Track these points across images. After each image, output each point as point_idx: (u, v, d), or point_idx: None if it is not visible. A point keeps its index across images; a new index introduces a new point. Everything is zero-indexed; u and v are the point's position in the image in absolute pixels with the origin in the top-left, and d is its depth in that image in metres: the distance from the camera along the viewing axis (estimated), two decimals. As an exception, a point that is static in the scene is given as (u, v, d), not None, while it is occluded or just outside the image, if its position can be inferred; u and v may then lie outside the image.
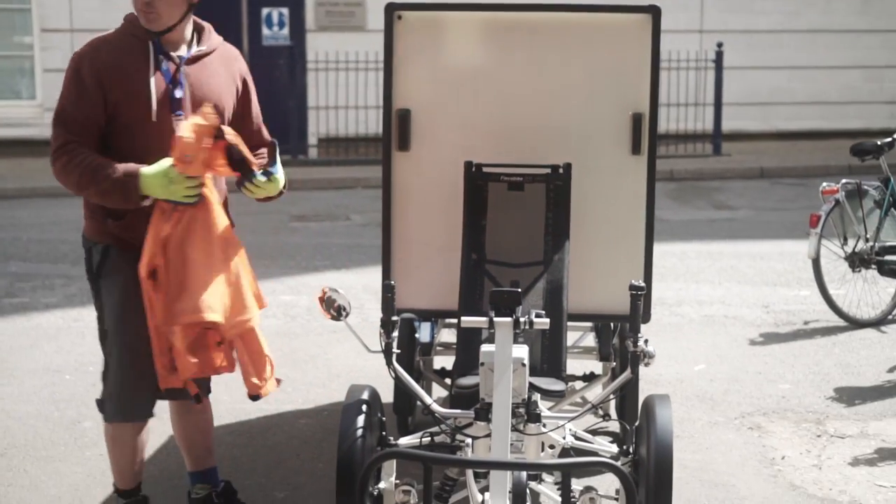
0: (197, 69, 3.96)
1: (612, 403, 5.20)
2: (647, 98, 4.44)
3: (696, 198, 12.66)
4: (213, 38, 4.07)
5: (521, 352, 3.56)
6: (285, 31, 15.74)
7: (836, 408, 5.77)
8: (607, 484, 4.35)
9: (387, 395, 4.51)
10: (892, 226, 7.38)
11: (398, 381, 4.05)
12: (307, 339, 7.05)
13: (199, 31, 4.06)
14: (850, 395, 5.96)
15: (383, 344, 3.98)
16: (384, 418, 4.13)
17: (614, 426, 5.19)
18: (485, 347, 3.57)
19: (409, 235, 4.48)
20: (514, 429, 3.61)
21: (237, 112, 4.10)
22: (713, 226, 10.96)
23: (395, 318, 3.91)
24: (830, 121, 16.65)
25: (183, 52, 3.96)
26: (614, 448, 4.07)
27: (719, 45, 15.23)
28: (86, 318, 7.54)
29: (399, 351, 4.08)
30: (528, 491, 3.22)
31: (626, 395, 4.69)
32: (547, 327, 3.52)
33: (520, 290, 3.51)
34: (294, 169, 14.44)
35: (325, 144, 15.50)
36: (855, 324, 7.27)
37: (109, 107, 3.83)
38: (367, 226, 10.96)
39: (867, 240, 7.26)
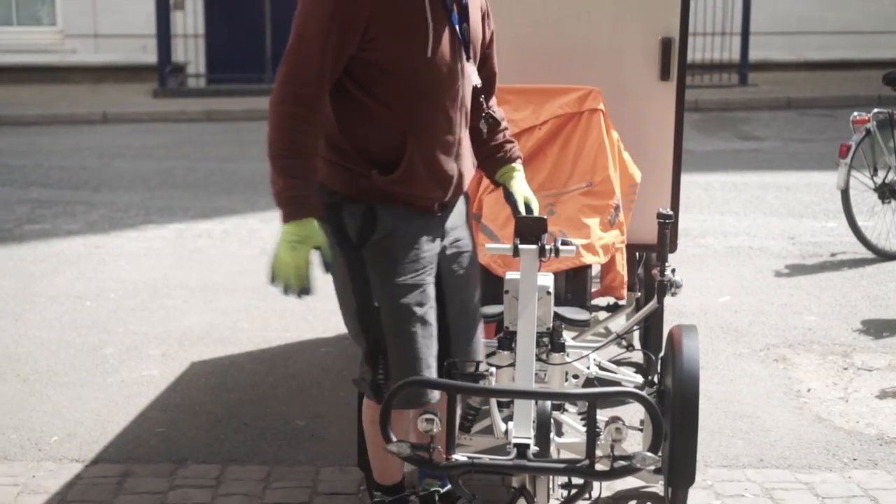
0: None
1: (637, 334, 5.14)
2: (677, 23, 4.33)
3: (721, 129, 12.50)
4: None
5: (547, 280, 3.49)
6: (307, -43, 15.51)
7: (864, 340, 5.70)
8: (632, 414, 4.32)
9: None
10: (923, 157, 7.26)
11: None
12: (328, 267, 7.00)
13: None
14: (877, 328, 5.88)
15: None
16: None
17: (639, 357, 5.14)
18: (510, 275, 3.50)
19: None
20: (538, 358, 3.55)
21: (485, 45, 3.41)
22: (739, 157, 10.81)
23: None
24: (861, 50, 16.37)
25: None
26: (639, 379, 4.02)
27: (748, -28, 14.95)
28: (107, 245, 7.53)
29: None
30: (552, 421, 3.17)
31: (651, 325, 4.63)
32: (573, 255, 3.44)
33: (546, 216, 3.43)
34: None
35: (346, 73, 15.34)
36: (884, 256, 7.17)
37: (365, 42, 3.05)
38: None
39: (898, 171, 7.14)
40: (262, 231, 7.89)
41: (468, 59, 3.22)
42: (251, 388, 5.09)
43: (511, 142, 3.57)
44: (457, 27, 3.15)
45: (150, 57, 14.99)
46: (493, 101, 3.53)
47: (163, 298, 6.38)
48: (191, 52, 15.08)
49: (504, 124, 3.55)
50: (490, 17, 3.42)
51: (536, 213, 3.46)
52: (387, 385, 3.28)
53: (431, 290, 3.27)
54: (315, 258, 3.06)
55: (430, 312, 3.26)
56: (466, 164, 3.36)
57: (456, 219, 3.40)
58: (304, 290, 3.06)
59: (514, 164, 3.54)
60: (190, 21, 14.93)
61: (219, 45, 15.34)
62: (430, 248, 3.26)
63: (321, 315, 6.09)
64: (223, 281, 6.71)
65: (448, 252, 3.37)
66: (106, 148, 11.26)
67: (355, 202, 3.17)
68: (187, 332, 5.83)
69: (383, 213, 3.17)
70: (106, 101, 13.92)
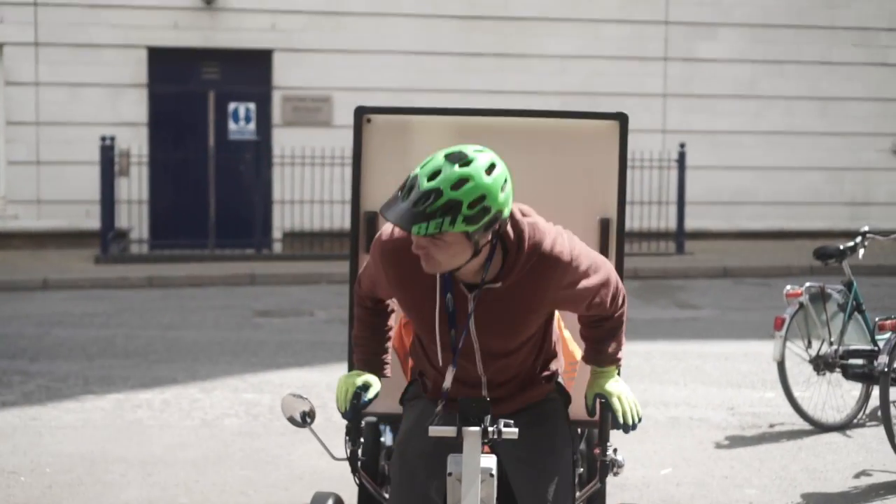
0: (486, 305, 3.43)
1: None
2: (614, 203, 4.45)
3: (660, 296, 12.70)
4: (520, 261, 3.39)
5: (490, 462, 3.50)
6: (252, 125, 15.82)
7: (804, 514, 5.73)
8: None
9: (351, 500, 4.42)
10: (855, 329, 7.41)
11: (364, 488, 3.98)
12: (269, 439, 6.94)
13: (508, 246, 3.40)
14: (816, 502, 5.91)
15: (348, 451, 3.92)
16: (349, 527, 4.05)
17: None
18: (452, 457, 3.51)
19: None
20: (482, 540, 3.53)
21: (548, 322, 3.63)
22: (678, 325, 10.98)
23: (360, 423, 3.85)
24: (793, 221, 16.85)
25: (475, 277, 3.41)
26: (582, 559, 3.99)
27: (682, 144, 15.44)
28: (43, 417, 7.42)
29: (364, 458, 4.01)
30: None
31: (594, 501, 4.62)
32: (516, 437, 3.46)
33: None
34: (258, 263, 14.44)
35: (289, 239, 15.49)
36: (820, 427, 7.25)
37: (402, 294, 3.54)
38: (331, 322, 10.90)
39: (831, 343, 7.28)
40: (202, 401, 7.83)
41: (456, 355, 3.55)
42: (189, 567, 4.99)
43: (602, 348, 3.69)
44: (450, 331, 3.52)
45: (93, 223, 15.05)
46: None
47: (99, 473, 6.27)
48: (134, 217, 15.18)
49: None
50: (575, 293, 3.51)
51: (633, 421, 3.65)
52: None
53: None
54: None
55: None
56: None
57: None
58: (345, 413, 3.68)
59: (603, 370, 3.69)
60: (134, 187, 15.06)
61: (163, 211, 15.45)
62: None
63: (262, 489, 6.01)
64: (162, 454, 6.62)
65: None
66: (45, 315, 11.19)
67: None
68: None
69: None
70: (47, 267, 13.88)
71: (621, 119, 4.44)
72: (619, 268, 4.48)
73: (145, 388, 8.22)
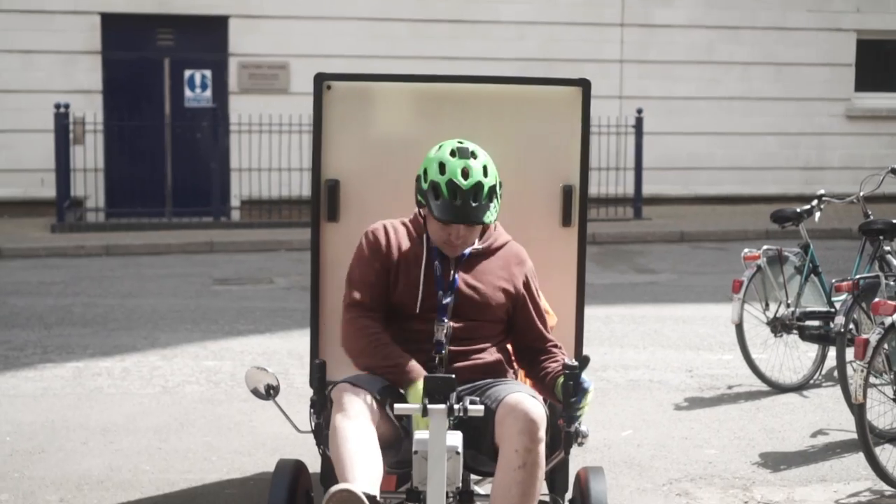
0: (471, 271, 4.04)
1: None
2: (577, 170, 4.49)
3: (618, 262, 12.79)
4: (497, 238, 4.14)
5: (456, 439, 3.53)
6: (208, 93, 15.71)
7: (763, 473, 5.82)
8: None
9: (313, 465, 4.44)
10: (812, 291, 7.51)
11: (327, 458, 4.01)
12: (231, 405, 6.95)
13: (483, 230, 4.13)
14: (775, 461, 6.01)
15: (313, 424, 3.94)
16: (312, 494, 4.08)
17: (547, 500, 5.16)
18: (418, 435, 3.54)
19: (338, 307, 4.44)
20: (448, 512, 3.58)
21: (513, 314, 4.10)
22: (636, 289, 11.06)
23: (326, 396, 3.87)
24: (748, 186, 16.99)
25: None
26: (547, 522, 4.05)
27: (639, 111, 15.50)
28: (2, 386, 7.37)
29: (328, 431, 4.03)
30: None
31: (558, 468, 4.67)
32: (481, 414, 3.51)
33: (454, 376, 3.50)
34: (216, 231, 14.37)
35: (247, 207, 15.42)
36: (777, 388, 7.36)
37: (391, 277, 4.03)
38: (290, 289, 10.89)
39: (788, 305, 7.37)
40: (162, 368, 7.81)
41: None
42: (154, 533, 5.00)
43: (553, 361, 4.05)
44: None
45: (49, 191, 14.90)
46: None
47: (61, 441, 6.25)
48: (90, 186, 15.04)
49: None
50: (527, 300, 4.09)
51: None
52: None
53: None
54: None
55: None
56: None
57: None
58: None
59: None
60: (90, 155, 14.91)
61: (119, 180, 15.32)
62: None
63: (225, 455, 6.02)
64: (124, 421, 6.61)
65: None
66: (1, 284, 11.09)
67: None
68: (86, 475, 5.71)
69: None
70: (2, 236, 13.74)
71: (584, 85, 4.47)
72: (583, 235, 4.53)
73: (105, 356, 8.18)
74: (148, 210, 15.00)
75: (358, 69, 13.28)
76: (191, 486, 5.60)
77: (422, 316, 3.96)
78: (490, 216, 3.91)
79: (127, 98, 15.48)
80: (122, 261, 12.73)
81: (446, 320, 3.93)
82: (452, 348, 3.93)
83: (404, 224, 4.13)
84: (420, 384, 3.68)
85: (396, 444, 3.76)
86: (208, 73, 15.70)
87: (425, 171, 3.95)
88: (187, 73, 15.63)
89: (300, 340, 8.29)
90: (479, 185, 3.86)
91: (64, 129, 14.33)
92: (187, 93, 15.65)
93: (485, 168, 3.92)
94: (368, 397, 3.72)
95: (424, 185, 3.93)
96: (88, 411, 6.82)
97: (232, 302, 10.24)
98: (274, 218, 14.96)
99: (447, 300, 3.95)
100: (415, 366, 3.83)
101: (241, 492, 5.52)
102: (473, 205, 3.86)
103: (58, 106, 14.25)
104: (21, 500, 5.38)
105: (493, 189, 3.93)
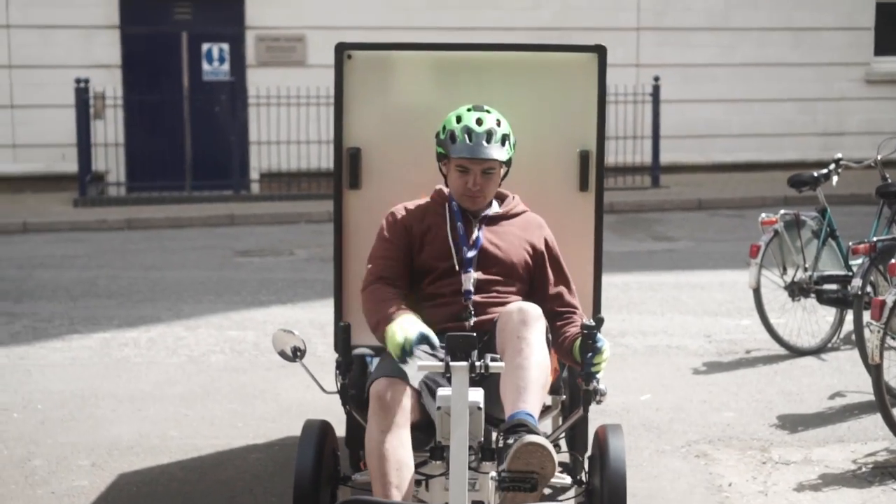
0: (492, 230, 4.25)
1: (564, 434, 5.26)
2: (594, 136, 4.55)
3: (636, 230, 12.84)
4: (515, 205, 4.37)
5: (477, 395, 3.62)
6: (226, 66, 15.76)
7: (780, 435, 5.90)
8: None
9: (339, 429, 4.55)
10: (829, 255, 7.56)
11: (352, 417, 4.11)
12: (255, 373, 7.06)
13: (501, 197, 4.38)
14: (793, 423, 6.09)
15: (339, 385, 4.04)
16: (339, 453, 4.18)
17: (566, 457, 5.25)
18: (441, 391, 3.63)
19: (362, 273, 4.52)
20: (469, 467, 3.66)
21: (534, 275, 4.28)
22: (654, 257, 11.12)
23: (350, 357, 3.97)
24: (766, 153, 16.97)
25: (483, 212, 4.30)
26: (567, 479, 4.14)
27: (656, 78, 15.49)
28: (32, 356, 7.50)
29: (354, 391, 4.13)
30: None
31: (577, 426, 4.76)
32: (503, 371, 3.59)
33: (475, 333, 3.58)
34: (236, 204, 14.47)
35: (267, 179, 15.51)
36: (796, 352, 7.42)
37: (414, 252, 4.24)
38: (310, 260, 10.98)
39: (806, 269, 7.42)
40: (187, 339, 7.93)
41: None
42: (182, 496, 5.11)
43: (572, 325, 4.19)
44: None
45: (70, 166, 15.02)
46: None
47: (90, 408, 6.38)
48: (111, 160, 15.14)
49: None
50: (547, 261, 4.29)
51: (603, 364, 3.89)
52: None
53: None
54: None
55: None
56: None
57: None
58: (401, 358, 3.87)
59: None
60: (111, 130, 15.01)
61: (139, 154, 15.42)
62: None
63: (251, 422, 6.14)
64: (151, 389, 6.73)
65: None
66: (26, 258, 11.22)
67: None
68: (116, 441, 5.84)
69: None
70: (25, 210, 13.88)
71: (600, 52, 4.53)
72: (600, 199, 4.60)
73: (130, 327, 8.31)
74: (168, 184, 15.10)
75: (374, 40, 13.32)
76: (217, 450, 5.72)
77: (450, 271, 4.15)
78: (502, 154, 4.14)
79: (146, 72, 15.55)
80: (143, 234, 12.85)
81: (471, 270, 4.12)
82: (476, 299, 4.10)
83: (423, 202, 4.33)
84: (392, 327, 3.88)
85: (431, 430, 3.87)
86: (226, 46, 15.76)
87: (443, 127, 4.21)
88: (205, 46, 15.69)
89: (321, 310, 8.39)
90: (491, 129, 4.14)
91: (84, 104, 14.43)
92: (205, 66, 15.71)
93: (498, 121, 4.19)
94: (405, 389, 3.83)
95: (442, 136, 4.19)
96: (116, 380, 6.95)
97: (253, 273, 10.35)
98: (293, 190, 15.04)
99: (471, 253, 4.16)
100: (396, 312, 3.97)
101: (266, 455, 5.64)
102: (486, 144, 4.12)
103: (78, 81, 14.34)
104: (54, 464, 5.51)
105: (506, 136, 4.18)
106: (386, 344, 3.88)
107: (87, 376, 7.03)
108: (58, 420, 6.18)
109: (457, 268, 4.15)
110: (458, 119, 4.17)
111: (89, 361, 7.39)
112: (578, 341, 3.95)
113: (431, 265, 4.19)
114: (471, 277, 4.13)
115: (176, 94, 15.44)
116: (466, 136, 4.11)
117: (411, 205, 4.33)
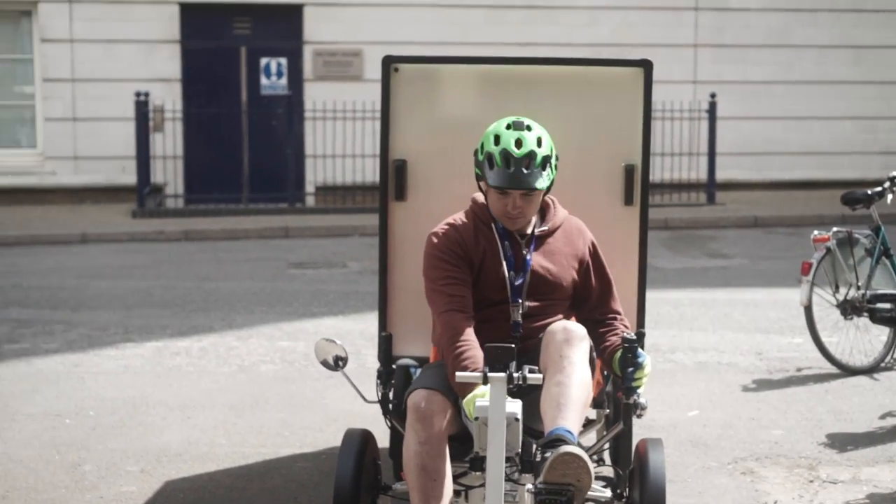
0: (539, 252, 4.14)
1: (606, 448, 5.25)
2: (639, 150, 4.55)
3: (690, 246, 12.77)
4: (557, 215, 4.24)
5: (515, 407, 3.63)
6: (283, 80, 15.93)
7: (829, 454, 5.84)
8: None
9: (383, 440, 4.58)
10: (882, 274, 7.47)
11: (395, 429, 4.13)
12: (304, 383, 7.12)
13: (543, 208, 4.23)
14: (842, 441, 6.02)
15: (380, 394, 4.07)
16: (380, 462, 4.21)
17: (609, 471, 5.24)
18: (479, 402, 3.65)
19: (406, 284, 4.56)
20: (508, 478, 3.68)
21: (580, 285, 4.23)
22: (707, 274, 11.05)
23: (392, 368, 4.00)
24: (824, 171, 16.81)
25: (528, 229, 4.17)
26: (608, 493, 4.13)
27: (713, 95, 15.42)
28: (86, 363, 7.62)
29: (396, 401, 4.16)
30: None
31: (620, 440, 4.75)
32: (540, 383, 3.60)
33: (513, 345, 3.60)
34: (291, 217, 14.60)
35: (322, 192, 15.63)
36: (847, 371, 7.34)
37: (474, 271, 4.10)
38: (363, 273, 11.05)
39: (858, 287, 7.34)
40: (238, 349, 8.01)
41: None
42: (229, 503, 5.16)
43: (614, 334, 4.17)
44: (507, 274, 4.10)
45: (129, 178, 15.24)
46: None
47: (141, 416, 6.47)
48: (169, 172, 15.35)
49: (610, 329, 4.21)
50: (591, 269, 4.24)
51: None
52: None
53: None
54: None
55: None
56: None
57: None
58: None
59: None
60: (169, 142, 15.22)
61: (197, 166, 15.62)
62: None
63: (297, 431, 6.19)
64: (201, 398, 6.80)
65: None
66: (85, 268, 11.40)
67: None
68: (165, 448, 5.91)
69: None
70: (85, 221, 14.10)
71: (646, 66, 4.53)
72: (644, 213, 4.59)
73: (183, 336, 8.41)
74: (225, 196, 15.28)
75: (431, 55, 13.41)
76: (265, 459, 5.77)
77: (502, 300, 4.09)
78: (542, 182, 3.98)
79: (205, 86, 15.77)
80: (200, 245, 13.00)
81: (520, 300, 4.05)
82: (524, 323, 4.05)
83: (465, 218, 4.20)
84: (474, 397, 3.74)
85: (470, 441, 3.89)
86: (284, 60, 15.93)
87: (482, 145, 4.06)
88: (263, 60, 15.87)
89: (372, 322, 8.41)
90: (531, 153, 3.96)
91: (144, 117, 14.65)
92: (263, 80, 15.89)
93: (539, 140, 4.00)
94: (443, 400, 3.85)
95: (480, 157, 4.05)
96: (167, 388, 7.03)
97: (306, 285, 10.44)
98: (347, 203, 15.16)
99: (519, 281, 4.08)
100: (476, 371, 3.80)
101: (313, 465, 5.68)
102: (525, 172, 3.95)
103: (138, 94, 14.57)
104: (104, 470, 5.59)
105: (546, 159, 4.00)
106: (460, 395, 3.86)
107: (139, 384, 7.12)
108: (109, 426, 6.28)
109: (509, 299, 4.07)
110: (497, 140, 4.00)
111: (142, 369, 7.50)
112: (619, 353, 3.95)
113: (486, 295, 4.09)
114: (519, 309, 4.07)
115: (234, 108, 15.63)
116: (504, 162, 3.96)
117: (458, 223, 4.17)
